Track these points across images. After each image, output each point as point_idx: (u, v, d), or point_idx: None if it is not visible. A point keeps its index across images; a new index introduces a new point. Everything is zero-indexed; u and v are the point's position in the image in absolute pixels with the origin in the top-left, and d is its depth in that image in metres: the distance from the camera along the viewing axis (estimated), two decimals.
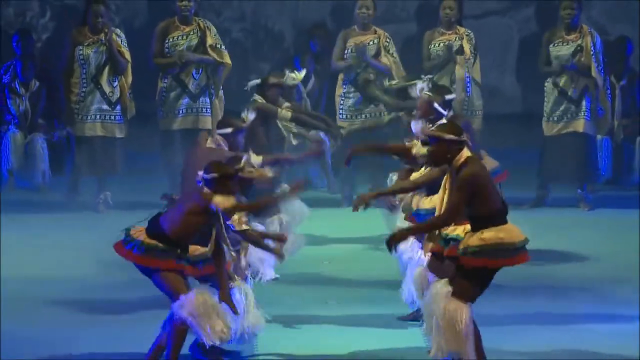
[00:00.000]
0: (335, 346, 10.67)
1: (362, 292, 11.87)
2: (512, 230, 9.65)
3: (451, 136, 9.70)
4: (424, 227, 10.04)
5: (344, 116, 15.41)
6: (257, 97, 12.90)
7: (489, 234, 9.65)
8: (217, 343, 9.97)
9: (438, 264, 10.27)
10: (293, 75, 12.98)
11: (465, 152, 9.68)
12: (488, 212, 9.68)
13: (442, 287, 9.74)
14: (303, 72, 13.39)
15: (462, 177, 9.60)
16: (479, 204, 9.66)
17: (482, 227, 9.70)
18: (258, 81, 13.03)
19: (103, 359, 10.45)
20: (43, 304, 11.80)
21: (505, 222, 9.68)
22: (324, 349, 10.62)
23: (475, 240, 9.65)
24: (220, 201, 9.90)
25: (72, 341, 10.76)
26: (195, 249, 10.29)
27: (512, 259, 9.69)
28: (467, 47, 15.31)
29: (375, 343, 10.73)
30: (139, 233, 10.01)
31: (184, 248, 10.01)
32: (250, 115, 12.00)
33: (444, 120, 10.90)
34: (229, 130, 11.56)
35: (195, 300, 9.89)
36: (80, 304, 11.85)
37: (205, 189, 10.02)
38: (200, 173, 10.03)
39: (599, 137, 15.34)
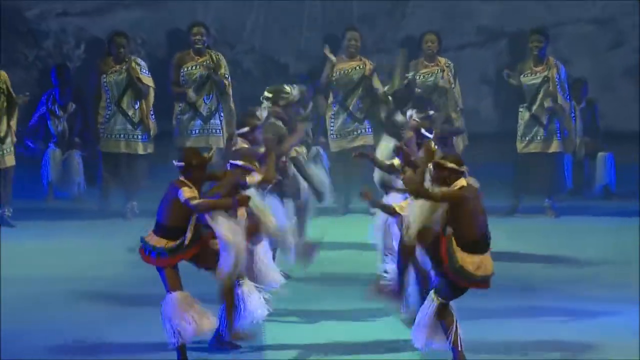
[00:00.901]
0: (333, 335, 10.54)
1: (354, 289, 11.51)
2: (488, 263, 9.63)
3: (453, 165, 9.64)
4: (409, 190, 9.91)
5: (334, 136, 15.15)
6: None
7: (473, 263, 9.57)
8: (185, 341, 9.81)
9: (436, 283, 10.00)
10: (289, 88, 12.75)
11: (462, 181, 9.66)
12: (472, 236, 9.57)
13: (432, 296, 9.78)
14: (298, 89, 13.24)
15: (455, 192, 9.59)
16: (465, 226, 9.56)
17: (468, 250, 9.57)
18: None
19: (132, 343, 10.35)
20: (80, 297, 11.70)
21: (486, 251, 9.65)
22: (323, 337, 10.49)
23: (468, 264, 9.57)
24: (185, 191, 9.75)
25: (104, 329, 10.72)
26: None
27: (481, 285, 9.69)
28: (449, 77, 15.03)
29: (365, 333, 10.63)
30: (149, 238, 9.90)
31: (182, 234, 9.88)
32: (263, 113, 11.86)
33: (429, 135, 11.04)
34: (246, 129, 11.24)
35: (176, 299, 9.81)
36: (112, 297, 11.75)
37: (180, 178, 9.96)
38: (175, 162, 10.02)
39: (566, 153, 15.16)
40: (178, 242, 9.87)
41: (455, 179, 9.57)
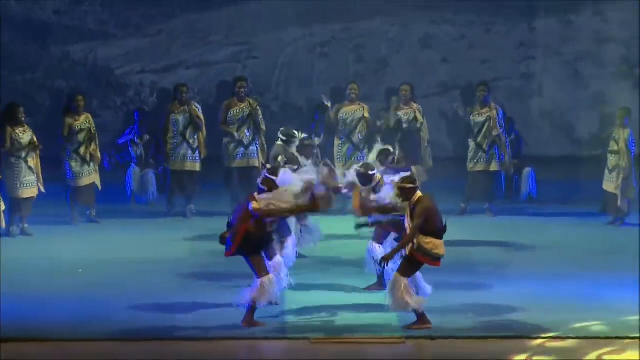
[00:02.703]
0: (329, 301, 10.65)
1: (352, 268, 11.62)
2: (441, 247, 9.84)
3: (410, 185, 9.90)
4: (401, 246, 9.96)
5: (340, 159, 14.83)
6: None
7: (432, 245, 9.79)
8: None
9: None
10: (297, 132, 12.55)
11: (418, 193, 9.87)
12: (433, 229, 9.82)
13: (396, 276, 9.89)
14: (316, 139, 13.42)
15: (419, 210, 9.77)
16: (428, 224, 9.80)
17: (429, 235, 9.80)
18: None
19: (186, 303, 10.48)
20: (152, 273, 11.73)
21: (441, 238, 9.85)
22: (323, 302, 10.61)
23: (424, 244, 9.79)
24: (253, 203, 9.70)
25: (169, 295, 10.81)
26: None
27: (435, 263, 9.88)
28: (420, 117, 14.89)
29: (353, 300, 10.74)
30: (226, 233, 9.82)
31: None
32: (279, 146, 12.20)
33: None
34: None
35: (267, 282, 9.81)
36: (175, 274, 11.70)
37: (254, 194, 9.92)
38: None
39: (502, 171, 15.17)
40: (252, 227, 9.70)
41: (413, 193, 9.86)
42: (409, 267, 9.85)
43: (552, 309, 10.34)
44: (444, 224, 9.83)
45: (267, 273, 9.84)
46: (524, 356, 9.31)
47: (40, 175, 13.51)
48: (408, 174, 10.18)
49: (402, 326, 9.80)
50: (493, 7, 17.20)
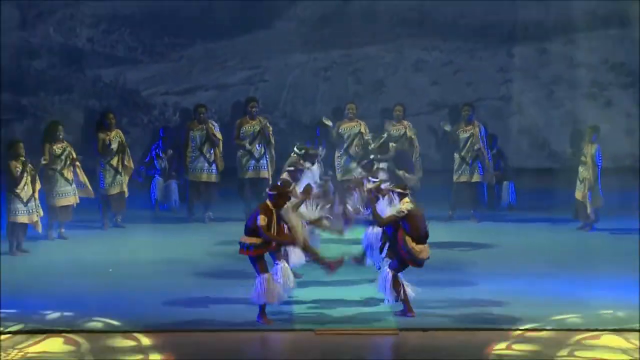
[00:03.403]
0: (332, 296, 10.70)
1: (351, 268, 11.30)
2: (426, 251, 9.89)
3: (400, 190, 9.95)
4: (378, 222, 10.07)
5: (339, 170, 14.66)
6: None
7: (419, 249, 9.86)
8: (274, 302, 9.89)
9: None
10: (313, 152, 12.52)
11: (407, 199, 9.90)
12: (419, 235, 9.84)
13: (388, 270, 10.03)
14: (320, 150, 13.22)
15: (401, 210, 9.88)
16: (413, 228, 9.82)
17: (415, 241, 9.85)
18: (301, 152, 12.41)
19: (209, 298, 10.52)
20: (175, 272, 11.74)
21: (425, 243, 9.91)
22: (326, 296, 10.68)
23: (415, 248, 9.87)
24: (261, 218, 9.65)
25: (192, 290, 10.88)
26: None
27: (419, 265, 9.96)
28: (410, 133, 14.77)
29: (353, 293, 10.81)
30: (243, 238, 9.82)
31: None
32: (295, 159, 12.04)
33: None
34: (292, 168, 11.47)
35: (265, 279, 9.81)
36: (196, 272, 11.72)
37: (266, 201, 9.83)
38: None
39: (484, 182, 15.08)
40: (261, 241, 9.73)
41: (403, 197, 9.96)
42: (399, 265, 9.94)
43: (531, 303, 10.35)
44: (426, 230, 9.88)
45: (267, 272, 9.79)
46: (504, 344, 9.34)
47: (88, 184, 13.55)
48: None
49: (393, 313, 9.93)
50: (477, 36, 17.08)
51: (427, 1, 17.04)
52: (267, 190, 10.05)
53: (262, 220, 9.62)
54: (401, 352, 9.40)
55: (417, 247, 9.84)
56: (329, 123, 14.81)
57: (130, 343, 9.38)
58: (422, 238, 9.90)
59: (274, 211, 9.78)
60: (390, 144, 14.31)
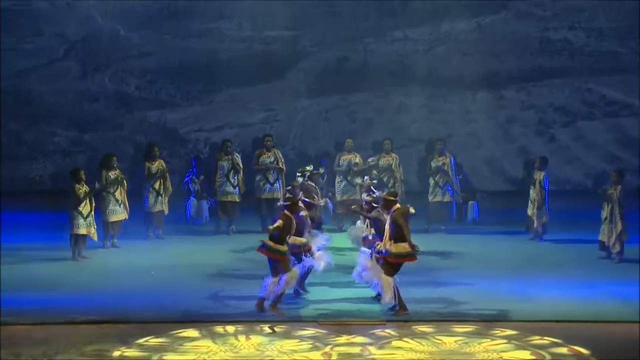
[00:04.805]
0: (333, 295, 10.66)
1: (347, 271, 11.11)
2: (406, 247, 9.69)
3: (391, 198, 9.87)
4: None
5: (339, 192, 14.66)
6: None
7: (399, 247, 9.68)
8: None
9: (382, 264, 9.89)
10: (310, 167, 12.44)
11: (397, 205, 9.77)
12: (401, 235, 9.67)
13: (381, 273, 9.79)
14: (320, 169, 13.07)
15: (397, 214, 9.68)
16: (398, 230, 9.66)
17: (397, 241, 9.68)
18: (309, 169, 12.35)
19: (231, 296, 10.45)
20: (204, 275, 11.62)
21: (406, 241, 9.71)
22: (330, 295, 10.64)
23: (394, 249, 9.69)
24: (278, 222, 9.55)
25: (216, 292, 10.72)
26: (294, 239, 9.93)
27: (412, 258, 9.77)
28: (395, 163, 14.78)
29: (354, 293, 10.68)
30: (266, 240, 9.73)
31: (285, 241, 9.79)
32: (300, 180, 11.76)
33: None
34: (289, 187, 11.32)
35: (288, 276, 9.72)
36: (221, 274, 11.64)
37: (284, 211, 9.74)
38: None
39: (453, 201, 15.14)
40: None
41: (394, 204, 9.79)
42: (390, 268, 9.74)
43: (492, 300, 10.30)
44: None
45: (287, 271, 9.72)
46: (471, 327, 9.27)
47: (127, 204, 13.38)
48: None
49: (385, 314, 9.73)
50: (447, 85, 16.94)
51: (408, 57, 17.05)
52: (282, 202, 10.05)
53: (278, 222, 9.62)
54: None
55: (398, 244, 9.62)
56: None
57: (167, 330, 9.21)
58: (405, 237, 9.64)
59: (292, 217, 9.76)
60: (373, 171, 14.34)
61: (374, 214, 10.14)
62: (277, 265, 9.73)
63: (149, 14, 16.88)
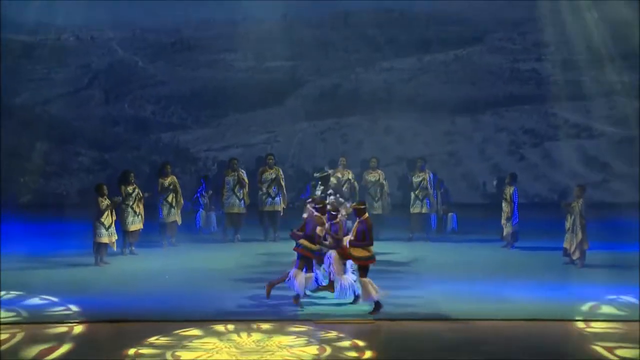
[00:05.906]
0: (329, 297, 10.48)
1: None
2: (370, 250, 9.69)
3: (361, 207, 9.85)
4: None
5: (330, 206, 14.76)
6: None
7: (364, 253, 9.69)
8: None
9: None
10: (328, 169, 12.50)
11: (366, 214, 9.78)
12: (369, 241, 9.68)
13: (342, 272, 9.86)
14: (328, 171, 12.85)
15: (369, 224, 9.65)
16: (366, 237, 9.66)
17: (363, 247, 9.68)
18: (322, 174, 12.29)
19: (236, 296, 10.42)
20: (212, 278, 11.59)
21: (371, 245, 9.71)
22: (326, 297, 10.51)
23: (360, 253, 9.70)
24: (318, 229, 9.61)
25: (228, 290, 10.78)
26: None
27: (371, 261, 9.72)
28: (382, 178, 14.57)
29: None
30: (302, 240, 9.79)
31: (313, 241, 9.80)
32: (331, 198, 11.50)
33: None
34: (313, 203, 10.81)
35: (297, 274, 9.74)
36: (227, 279, 11.49)
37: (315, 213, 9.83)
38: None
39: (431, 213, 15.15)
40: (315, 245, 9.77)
41: (364, 212, 9.74)
42: (363, 271, 9.73)
43: (469, 300, 10.27)
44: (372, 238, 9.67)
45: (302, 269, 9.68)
46: (447, 325, 9.27)
47: (143, 215, 13.31)
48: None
49: (368, 312, 9.77)
50: (428, 109, 17.05)
51: (394, 85, 17.14)
52: (315, 205, 9.97)
53: (319, 231, 9.58)
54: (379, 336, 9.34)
55: (359, 252, 9.58)
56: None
57: (178, 329, 9.23)
58: (369, 244, 9.60)
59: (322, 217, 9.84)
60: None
61: (338, 219, 9.99)
62: (308, 262, 9.69)
63: (163, 48, 17.07)
